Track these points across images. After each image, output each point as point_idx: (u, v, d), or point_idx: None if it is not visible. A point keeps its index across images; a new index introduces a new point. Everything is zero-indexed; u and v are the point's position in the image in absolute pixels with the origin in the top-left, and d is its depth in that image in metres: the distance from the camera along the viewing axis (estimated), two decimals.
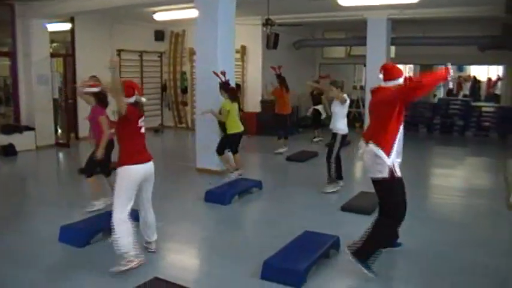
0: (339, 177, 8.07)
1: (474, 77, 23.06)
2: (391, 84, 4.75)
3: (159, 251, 5.51)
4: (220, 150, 8.81)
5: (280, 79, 11.66)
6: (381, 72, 4.87)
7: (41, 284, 4.62)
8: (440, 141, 14.33)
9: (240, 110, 9.87)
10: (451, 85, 22.42)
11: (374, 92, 4.96)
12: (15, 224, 6.43)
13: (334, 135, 7.92)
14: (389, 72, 4.83)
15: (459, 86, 24.05)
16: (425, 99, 18.18)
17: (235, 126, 8.73)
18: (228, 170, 8.94)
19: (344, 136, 7.90)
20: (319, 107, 13.30)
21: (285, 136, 11.88)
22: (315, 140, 13.25)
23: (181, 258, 5.48)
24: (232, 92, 8.81)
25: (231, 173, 8.84)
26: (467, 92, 22.56)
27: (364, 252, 4.67)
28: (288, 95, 11.79)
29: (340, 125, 7.88)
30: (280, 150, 11.48)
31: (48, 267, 5.05)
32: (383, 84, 4.84)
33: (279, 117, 11.91)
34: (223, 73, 8.63)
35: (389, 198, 4.71)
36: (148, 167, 4.97)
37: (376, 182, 4.70)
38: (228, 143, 8.84)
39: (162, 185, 8.37)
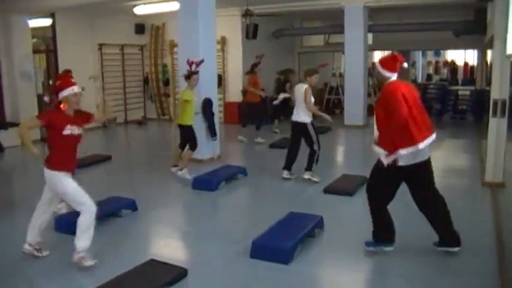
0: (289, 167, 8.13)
1: (453, 62, 23.49)
2: None
3: (153, 235, 5.79)
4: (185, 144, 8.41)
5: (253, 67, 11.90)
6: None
7: (37, 271, 4.84)
8: None
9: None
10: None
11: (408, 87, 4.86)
12: (10, 217, 6.63)
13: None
14: None
15: (437, 70, 24.45)
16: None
17: (189, 118, 8.19)
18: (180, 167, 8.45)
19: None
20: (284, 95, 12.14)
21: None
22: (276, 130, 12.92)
23: (173, 241, 5.75)
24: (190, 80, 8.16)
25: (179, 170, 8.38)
26: (444, 76, 22.98)
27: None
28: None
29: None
30: (261, 140, 11.65)
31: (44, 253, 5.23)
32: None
33: (261, 105, 12.18)
34: (200, 62, 8.30)
35: None
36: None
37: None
38: (182, 136, 8.36)
39: (149, 175, 8.64)
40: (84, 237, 4.67)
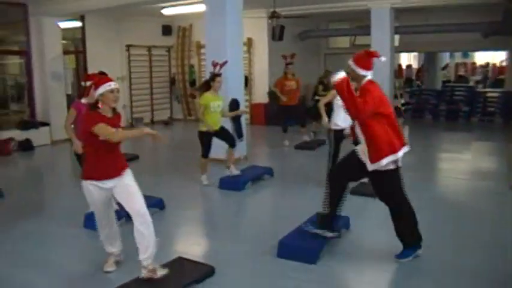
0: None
1: (487, 64, 23.39)
2: None
3: (180, 233, 5.88)
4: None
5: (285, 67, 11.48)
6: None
7: (69, 266, 4.96)
8: (446, 128, 14.55)
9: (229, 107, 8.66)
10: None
11: None
12: (41, 212, 6.80)
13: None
14: None
15: (472, 71, 24.34)
16: (431, 86, 18.46)
17: (207, 123, 7.59)
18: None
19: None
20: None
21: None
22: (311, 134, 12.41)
23: (200, 240, 5.83)
24: (204, 84, 7.85)
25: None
26: (478, 78, 22.89)
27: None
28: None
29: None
30: (287, 142, 11.39)
31: (74, 249, 5.44)
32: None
33: (294, 108, 11.60)
34: (223, 63, 7.84)
35: None
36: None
37: None
38: (201, 142, 7.82)
39: (176, 174, 8.75)
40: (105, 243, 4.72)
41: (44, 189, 8.66)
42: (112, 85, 4.29)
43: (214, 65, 7.72)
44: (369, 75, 4.70)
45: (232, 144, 8.07)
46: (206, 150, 7.80)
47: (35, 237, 5.78)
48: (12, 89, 13.77)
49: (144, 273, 4.34)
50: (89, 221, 5.90)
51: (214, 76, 7.64)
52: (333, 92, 6.83)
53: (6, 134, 11.35)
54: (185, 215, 6.61)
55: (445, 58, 22.93)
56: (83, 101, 5.77)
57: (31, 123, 12.07)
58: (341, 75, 4.52)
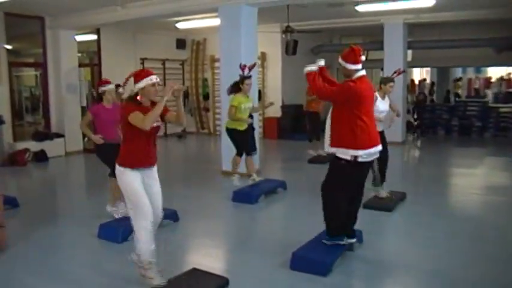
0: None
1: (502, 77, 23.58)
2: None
3: (194, 244, 5.92)
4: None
5: None
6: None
7: (83, 276, 5.00)
8: (459, 143, 14.51)
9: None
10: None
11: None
12: (55, 221, 6.87)
13: None
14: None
15: (487, 84, 24.58)
16: (443, 101, 18.40)
17: (238, 123, 8.02)
18: (234, 173, 8.58)
19: None
20: None
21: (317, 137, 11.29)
22: None
23: (214, 252, 5.83)
24: (234, 86, 8.01)
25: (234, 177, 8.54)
26: (495, 91, 23.10)
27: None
28: None
29: None
30: (313, 152, 11.26)
31: (88, 259, 5.47)
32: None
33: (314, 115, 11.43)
34: (252, 66, 8.07)
35: None
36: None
37: None
38: (238, 140, 8.25)
39: (189, 187, 8.79)
40: (137, 246, 4.40)
41: (58, 200, 8.74)
42: (153, 79, 4.27)
43: (242, 68, 7.88)
44: (359, 69, 4.75)
45: (249, 152, 8.36)
46: (251, 146, 8.36)
47: (48, 247, 5.83)
48: (27, 101, 13.95)
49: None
50: (103, 231, 5.99)
51: (243, 79, 7.87)
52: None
53: (21, 145, 11.48)
54: (198, 227, 6.64)
55: (458, 73, 22.94)
56: (120, 90, 6.24)
57: (46, 134, 12.22)
58: (317, 66, 5.01)
